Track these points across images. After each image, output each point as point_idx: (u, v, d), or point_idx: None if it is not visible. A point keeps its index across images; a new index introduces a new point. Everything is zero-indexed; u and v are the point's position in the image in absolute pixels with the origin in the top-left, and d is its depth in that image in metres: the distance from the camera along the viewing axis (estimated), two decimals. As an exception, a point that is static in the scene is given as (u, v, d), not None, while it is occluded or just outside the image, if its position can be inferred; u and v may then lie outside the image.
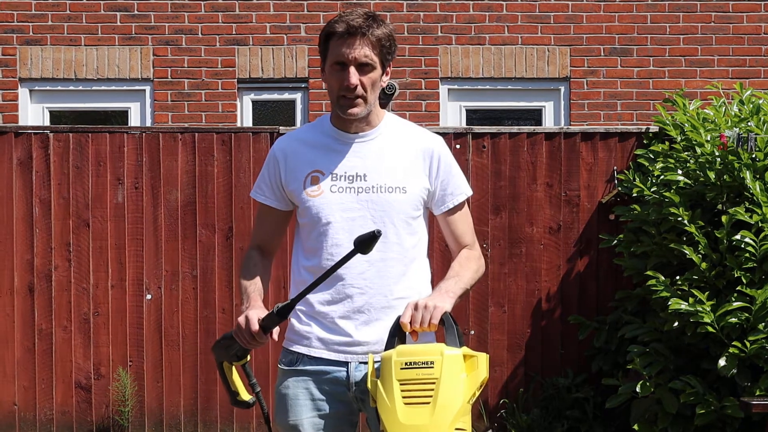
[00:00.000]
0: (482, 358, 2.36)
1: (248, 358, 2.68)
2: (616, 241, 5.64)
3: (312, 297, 2.61)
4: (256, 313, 2.61)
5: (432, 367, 2.33)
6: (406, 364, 2.36)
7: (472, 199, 5.32)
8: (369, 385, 2.43)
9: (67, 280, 6.03)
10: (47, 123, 7.47)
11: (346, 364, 2.59)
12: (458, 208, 2.70)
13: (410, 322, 2.42)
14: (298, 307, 2.59)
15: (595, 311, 5.80)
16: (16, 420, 6.01)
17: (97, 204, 6.06)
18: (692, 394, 4.73)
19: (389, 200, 2.63)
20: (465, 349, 2.38)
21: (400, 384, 2.36)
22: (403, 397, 2.35)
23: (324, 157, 2.67)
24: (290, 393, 2.65)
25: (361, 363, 2.58)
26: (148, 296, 6.05)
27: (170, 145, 6.08)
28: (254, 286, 2.75)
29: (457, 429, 2.31)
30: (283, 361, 2.67)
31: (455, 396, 2.31)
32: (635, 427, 4.95)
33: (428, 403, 2.31)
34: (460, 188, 2.70)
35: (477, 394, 2.36)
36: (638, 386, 4.90)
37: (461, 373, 2.33)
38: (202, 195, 6.07)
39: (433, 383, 2.31)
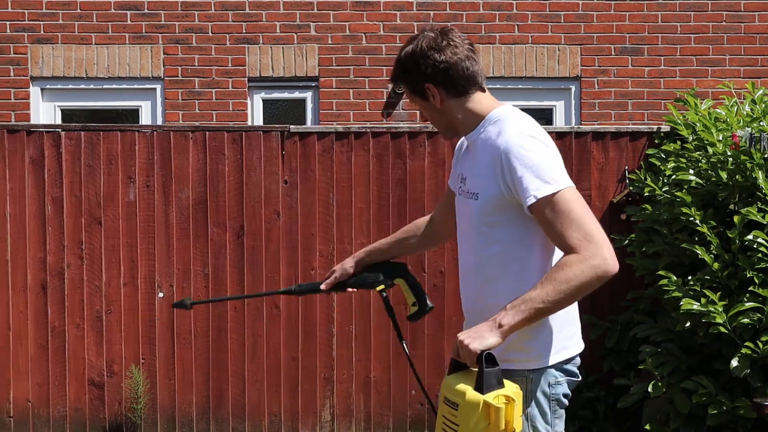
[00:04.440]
0: (501, 410, 2.25)
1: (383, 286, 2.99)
2: (627, 241, 5.65)
3: None
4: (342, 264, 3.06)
5: (456, 410, 2.30)
6: (444, 399, 2.36)
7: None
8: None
9: (79, 277, 6.06)
10: (58, 121, 7.50)
11: None
12: (538, 210, 2.47)
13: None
14: None
15: (607, 311, 5.81)
16: (30, 417, 6.04)
17: (109, 202, 6.08)
18: (704, 395, 4.73)
19: (468, 206, 2.65)
20: (492, 395, 2.27)
21: (442, 416, 2.37)
22: (442, 429, 2.36)
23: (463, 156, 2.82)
24: None
25: None
26: (161, 294, 6.07)
27: (181, 144, 6.10)
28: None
29: None
30: None
31: None
32: (647, 427, 4.95)
33: None
34: (528, 191, 2.46)
35: None
36: (650, 386, 4.90)
37: (480, 422, 2.26)
38: (213, 193, 6.08)
39: (457, 425, 2.30)
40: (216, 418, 6.06)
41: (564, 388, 2.61)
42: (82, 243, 6.06)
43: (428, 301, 2.94)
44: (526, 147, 2.50)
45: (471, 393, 2.28)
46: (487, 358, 2.31)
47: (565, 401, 2.61)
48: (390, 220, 6.09)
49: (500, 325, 2.38)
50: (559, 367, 2.59)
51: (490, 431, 2.25)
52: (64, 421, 6.04)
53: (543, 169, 2.47)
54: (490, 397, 2.26)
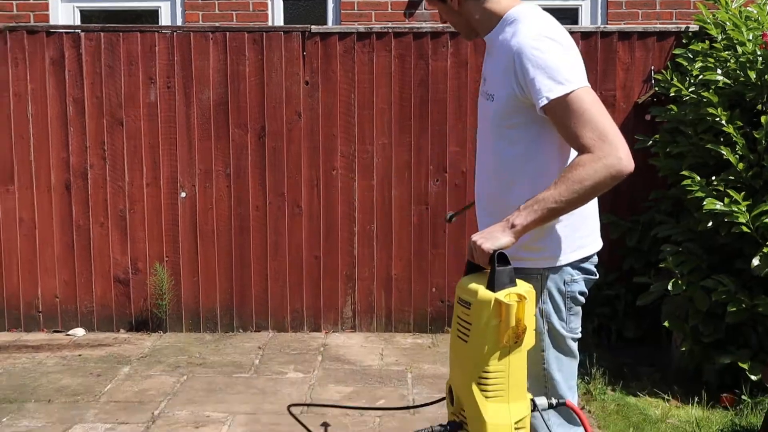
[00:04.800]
0: (512, 307, 2.26)
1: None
2: (651, 142, 5.60)
3: None
4: None
5: (469, 309, 2.32)
6: (459, 299, 2.38)
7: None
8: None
9: (102, 178, 6.10)
10: (78, 22, 7.43)
11: None
12: (552, 111, 2.43)
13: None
14: None
15: (628, 211, 5.81)
16: (59, 312, 6.17)
17: (130, 103, 6.08)
18: (724, 293, 4.74)
19: (486, 107, 2.63)
20: (503, 293, 2.28)
21: (456, 316, 2.39)
22: (456, 329, 2.38)
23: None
24: None
25: None
26: (183, 194, 6.11)
27: (201, 45, 6.05)
28: None
29: (485, 372, 2.29)
30: None
31: (483, 340, 2.28)
32: (666, 324, 4.98)
33: (465, 341, 2.33)
34: (540, 92, 2.43)
35: (517, 339, 2.29)
36: (670, 284, 4.91)
37: (491, 320, 2.27)
38: (234, 95, 6.06)
39: (470, 324, 2.32)
40: (239, 314, 6.17)
41: (580, 286, 2.63)
42: (104, 144, 6.09)
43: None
44: (540, 48, 2.46)
45: (483, 291, 2.31)
46: (499, 257, 2.33)
47: (581, 299, 2.63)
48: (412, 121, 6.06)
49: (513, 225, 2.39)
50: (575, 265, 2.61)
51: (501, 329, 2.27)
52: (91, 316, 6.17)
53: (556, 70, 2.43)
54: (502, 294, 2.28)
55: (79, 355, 5.60)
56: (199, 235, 6.12)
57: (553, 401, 2.42)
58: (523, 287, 2.33)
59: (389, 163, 6.09)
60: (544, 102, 2.42)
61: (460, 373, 2.37)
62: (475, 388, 2.30)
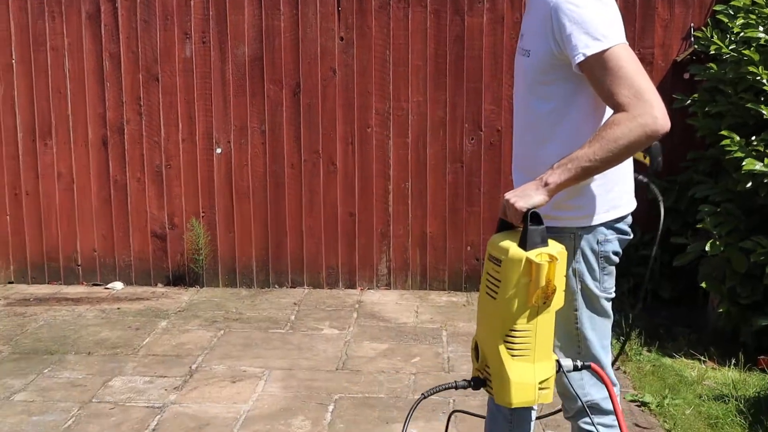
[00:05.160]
0: (543, 267, 2.25)
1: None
2: (690, 101, 5.53)
3: None
4: None
5: (499, 266, 2.31)
6: (489, 255, 2.38)
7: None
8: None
9: (138, 133, 6.14)
10: (113, -24, 7.41)
11: None
12: (587, 68, 2.40)
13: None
14: None
15: (665, 171, 5.76)
16: (97, 265, 6.26)
17: (166, 59, 6.09)
18: (763, 254, 4.70)
19: (522, 63, 2.60)
20: (534, 253, 2.27)
21: (486, 273, 2.39)
22: (486, 285, 2.39)
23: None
24: None
25: None
26: (218, 150, 6.14)
27: (237, -1, 6.05)
28: None
29: (512, 331, 2.30)
30: None
31: (511, 299, 2.28)
32: (703, 285, 4.96)
33: (494, 298, 2.33)
34: (576, 48, 2.39)
35: (546, 299, 2.28)
36: (707, 245, 4.88)
37: (521, 279, 2.27)
38: (270, 50, 6.05)
39: (499, 281, 2.32)
40: (275, 270, 6.22)
41: (614, 246, 2.62)
42: (140, 99, 6.11)
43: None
44: (577, 3, 2.42)
45: (514, 249, 2.29)
46: (532, 216, 2.32)
47: (615, 258, 2.63)
48: (447, 78, 6.02)
49: (546, 184, 2.37)
50: (609, 225, 2.60)
51: (530, 288, 2.27)
52: (129, 269, 6.25)
53: (593, 26, 2.38)
54: (533, 254, 2.27)
55: (118, 309, 5.69)
56: (234, 192, 6.16)
57: (578, 363, 2.43)
58: (555, 248, 2.32)
59: (424, 121, 6.06)
60: (580, 58, 2.39)
61: (486, 329, 2.38)
62: (501, 345, 2.31)
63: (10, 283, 6.28)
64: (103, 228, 6.22)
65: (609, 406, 2.67)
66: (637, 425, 3.98)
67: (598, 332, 2.64)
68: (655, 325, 5.31)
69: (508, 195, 2.38)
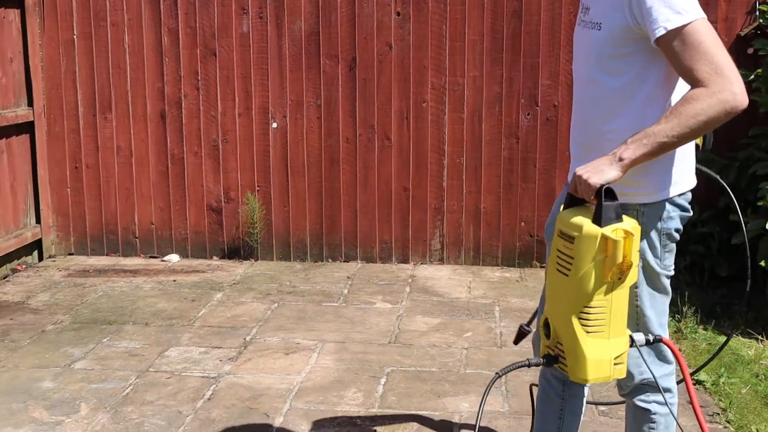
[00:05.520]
0: (620, 243, 2.23)
1: None
2: (753, 76, 5.41)
3: None
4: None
5: (572, 243, 2.29)
6: (560, 232, 2.36)
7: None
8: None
9: (196, 107, 6.20)
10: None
11: None
12: (666, 43, 2.35)
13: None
14: None
15: (726, 148, 5.64)
16: (154, 238, 6.36)
17: (223, 34, 6.13)
18: (824, 233, 4.61)
19: (589, 37, 2.55)
20: (610, 229, 2.26)
21: (556, 250, 2.37)
22: (556, 263, 2.37)
23: None
24: (555, 203, 2.82)
25: None
26: (274, 125, 6.18)
27: (293, -26, 6.05)
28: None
29: (586, 307, 2.27)
30: None
31: (586, 276, 2.26)
32: (761, 263, 4.87)
33: (567, 275, 2.31)
34: (657, 22, 2.34)
35: (621, 275, 2.26)
36: (767, 224, 4.79)
37: (597, 255, 2.25)
38: (326, 25, 6.05)
39: (572, 258, 2.30)
40: (329, 244, 6.26)
41: (676, 223, 2.59)
42: (197, 74, 6.17)
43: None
44: None
45: (589, 225, 2.27)
46: (606, 192, 2.30)
47: (677, 236, 2.60)
48: (504, 53, 5.97)
49: (620, 159, 2.34)
50: (672, 201, 2.57)
51: (606, 264, 2.25)
52: (185, 242, 6.35)
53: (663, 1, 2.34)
54: (608, 230, 2.25)
55: (174, 281, 5.78)
56: (289, 166, 6.20)
57: (650, 337, 2.41)
58: (629, 223, 2.30)
59: (480, 96, 6.03)
60: (660, 32, 2.34)
61: (559, 306, 2.36)
62: (576, 322, 2.29)
63: (70, 254, 6.42)
64: (161, 201, 6.32)
65: (666, 383, 2.65)
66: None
67: (657, 310, 2.62)
68: (712, 303, 5.23)
69: (579, 170, 2.36)
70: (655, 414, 2.68)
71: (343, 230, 6.23)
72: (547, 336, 2.40)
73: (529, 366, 2.38)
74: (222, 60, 6.15)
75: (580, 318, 2.29)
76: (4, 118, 5.83)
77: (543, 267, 5.78)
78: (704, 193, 5.67)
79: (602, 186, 2.30)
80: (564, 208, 2.43)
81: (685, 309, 4.94)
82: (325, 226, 6.24)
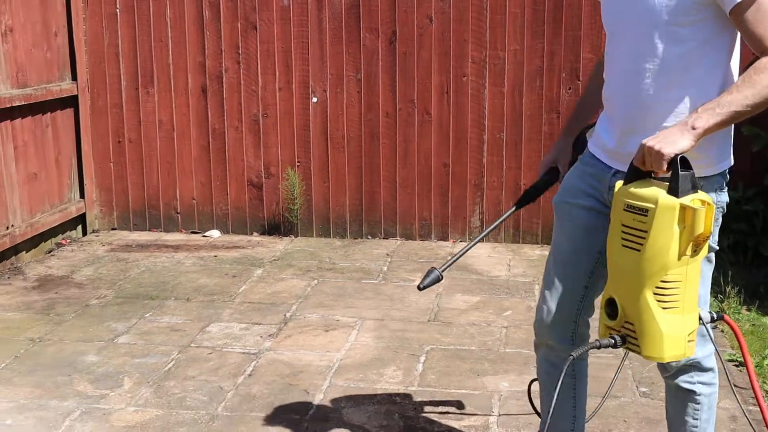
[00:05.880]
0: (700, 212, 2.19)
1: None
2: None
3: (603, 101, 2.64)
4: (545, 159, 2.95)
5: (645, 216, 2.23)
6: (627, 206, 2.30)
7: None
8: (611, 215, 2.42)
9: (236, 82, 6.22)
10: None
11: (610, 168, 2.58)
12: (741, 11, 2.30)
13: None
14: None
15: (772, 124, 5.55)
16: (195, 213, 6.41)
17: (264, 7, 6.12)
18: None
19: (647, 5, 2.44)
20: (689, 198, 2.21)
21: (621, 225, 2.33)
22: (622, 238, 2.32)
23: None
24: (566, 176, 2.77)
25: (618, 172, 2.53)
26: (314, 99, 6.17)
27: (334, -54, 6.01)
28: (575, 108, 2.91)
29: (663, 282, 2.23)
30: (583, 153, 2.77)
31: (663, 249, 2.21)
32: (808, 243, 4.80)
33: (639, 250, 2.25)
34: None
35: (696, 248, 2.22)
36: (815, 202, 4.71)
37: (674, 226, 2.20)
38: (366, -2, 6.03)
39: (645, 232, 2.24)
40: (368, 221, 6.27)
41: (726, 197, 2.56)
42: (238, 48, 6.18)
43: None
44: None
45: (665, 197, 2.21)
46: (681, 161, 2.25)
47: (724, 209, 2.57)
48: (545, 26, 5.90)
49: (693, 128, 2.28)
50: (723, 175, 2.53)
51: (683, 236, 2.20)
52: (226, 218, 6.39)
53: None
54: (688, 199, 2.21)
55: (215, 256, 5.83)
56: (329, 141, 6.20)
57: (714, 315, 2.38)
58: (703, 193, 2.27)
59: (520, 70, 5.96)
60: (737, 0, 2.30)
61: (628, 284, 2.30)
62: (650, 298, 2.25)
63: (113, 229, 6.50)
64: (202, 176, 6.36)
65: (709, 363, 2.63)
66: (735, 386, 3.89)
67: (705, 285, 2.59)
68: (756, 283, 5.16)
69: (649, 141, 2.29)
70: (699, 395, 2.66)
71: (382, 207, 6.23)
72: (610, 316, 2.36)
73: (599, 347, 2.34)
74: (262, 34, 6.14)
75: (655, 294, 2.24)
76: (49, 92, 5.89)
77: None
78: (749, 170, 5.59)
79: (676, 156, 2.25)
80: (625, 182, 2.38)
81: (728, 289, 4.88)
82: (365, 202, 6.24)
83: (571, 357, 2.33)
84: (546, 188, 2.91)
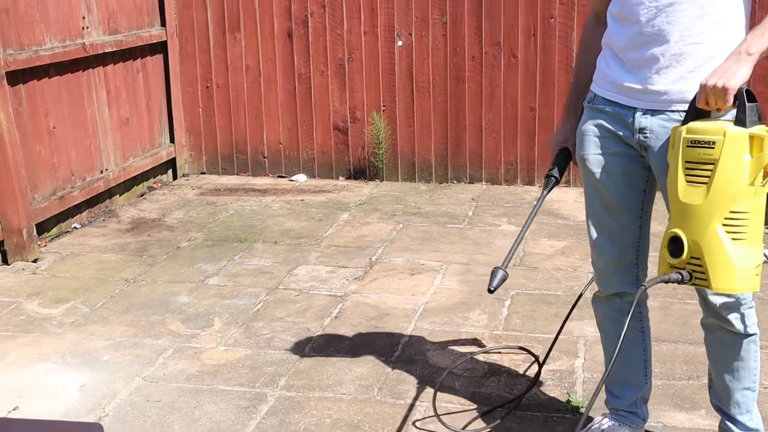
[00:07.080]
0: None
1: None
2: None
3: (615, 39, 2.53)
4: (556, 140, 2.83)
5: (713, 148, 2.23)
6: (691, 142, 2.29)
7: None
8: (668, 157, 2.39)
9: (322, 26, 6.21)
10: None
11: (633, 109, 2.53)
12: None
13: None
14: (608, 48, 2.57)
15: None
16: (282, 157, 6.48)
17: (348, -51, 6.08)
18: None
19: None
20: (757, 128, 2.21)
21: (685, 162, 2.30)
22: (686, 176, 2.30)
23: None
24: (583, 128, 2.67)
25: (647, 111, 2.50)
26: (399, 43, 6.13)
27: None
28: (574, 87, 2.82)
29: (732, 212, 2.22)
30: (587, 97, 2.67)
31: (733, 178, 2.21)
32: None
33: (705, 183, 2.24)
34: None
35: (765, 176, 2.20)
36: None
37: (744, 155, 2.20)
38: (452, -61, 5.92)
39: (712, 164, 2.23)
40: (453, 165, 6.24)
41: None
42: (323, -9, 6.17)
43: None
44: None
45: (732, 128, 2.22)
46: (746, 93, 2.24)
47: None
48: (638, -36, 5.71)
49: (749, 54, 2.25)
50: None
51: (752, 166, 2.20)
52: (312, 162, 6.44)
53: None
54: (756, 129, 2.21)
55: (302, 200, 5.89)
56: (414, 85, 6.16)
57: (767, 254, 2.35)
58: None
59: (612, 11, 5.80)
60: None
61: (696, 218, 2.29)
62: (721, 230, 2.24)
63: (202, 173, 6.63)
64: (288, 121, 6.41)
65: (752, 303, 2.60)
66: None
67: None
68: None
69: (709, 80, 2.25)
70: (743, 333, 2.61)
71: (468, 151, 6.18)
72: (674, 254, 2.34)
73: (668, 282, 2.33)
74: (348, -23, 6.12)
75: (725, 225, 2.24)
76: (139, 38, 5.99)
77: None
78: None
79: (740, 88, 2.24)
80: (683, 123, 2.35)
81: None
82: (450, 147, 6.21)
83: (644, 287, 2.31)
84: (565, 170, 2.88)
